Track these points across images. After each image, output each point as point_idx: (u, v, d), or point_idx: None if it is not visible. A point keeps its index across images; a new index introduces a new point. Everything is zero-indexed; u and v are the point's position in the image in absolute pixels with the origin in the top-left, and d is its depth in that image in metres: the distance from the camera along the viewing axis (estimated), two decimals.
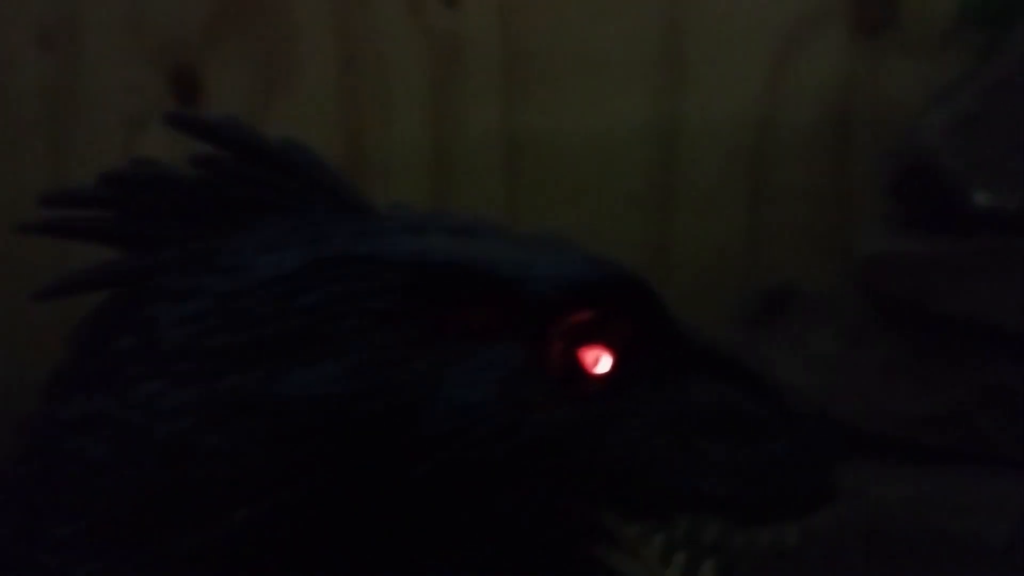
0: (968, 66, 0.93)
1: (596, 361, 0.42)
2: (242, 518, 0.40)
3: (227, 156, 0.45)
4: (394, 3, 1.15)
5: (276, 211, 0.45)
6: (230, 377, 0.41)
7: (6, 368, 1.04)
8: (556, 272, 0.43)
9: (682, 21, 1.14)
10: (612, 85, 1.15)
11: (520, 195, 1.17)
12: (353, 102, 1.16)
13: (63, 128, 1.15)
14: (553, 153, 1.16)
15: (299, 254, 0.43)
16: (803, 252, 1.13)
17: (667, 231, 1.17)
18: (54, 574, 0.41)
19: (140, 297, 0.44)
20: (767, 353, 0.96)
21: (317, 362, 0.41)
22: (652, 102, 1.15)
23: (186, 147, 0.47)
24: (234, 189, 0.45)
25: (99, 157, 1.12)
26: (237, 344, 0.41)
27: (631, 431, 0.42)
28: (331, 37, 1.15)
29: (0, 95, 1.14)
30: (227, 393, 0.41)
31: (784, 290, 1.00)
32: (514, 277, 0.43)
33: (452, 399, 0.41)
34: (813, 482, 0.43)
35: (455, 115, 1.16)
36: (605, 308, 0.42)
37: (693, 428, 0.42)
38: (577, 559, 0.42)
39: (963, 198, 0.78)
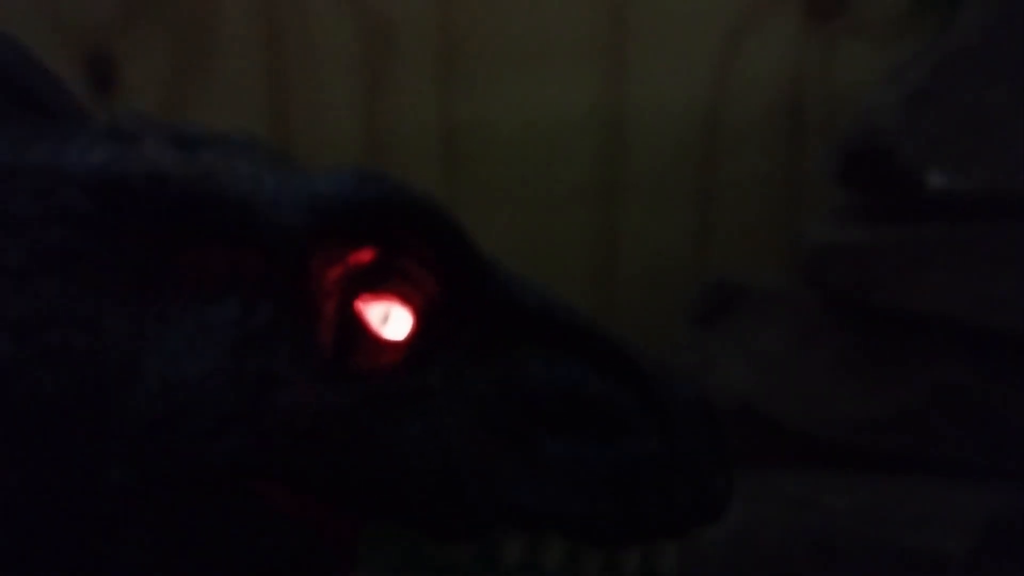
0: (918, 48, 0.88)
1: (385, 321, 0.31)
2: None
3: None
4: None
5: None
6: None
7: None
8: (316, 190, 0.30)
9: (627, 6, 1.09)
10: (554, 72, 1.10)
11: (458, 186, 1.11)
12: (279, 88, 1.10)
13: None
14: (493, 143, 1.11)
15: None
16: (754, 246, 1.08)
17: (613, 225, 1.12)
18: None
19: None
20: (713, 353, 0.90)
21: None
22: (596, 90, 1.10)
23: None
24: None
25: None
26: None
27: (436, 420, 0.30)
28: (255, 18, 1.09)
29: None
30: None
31: (732, 287, 0.95)
32: (254, 199, 0.30)
33: (162, 373, 0.29)
34: (694, 491, 0.32)
35: (389, 102, 1.10)
36: (394, 244, 0.30)
37: (525, 417, 0.31)
38: None
39: (917, 180, 0.72)
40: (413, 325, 0.31)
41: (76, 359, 0.29)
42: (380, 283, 0.31)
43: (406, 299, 0.31)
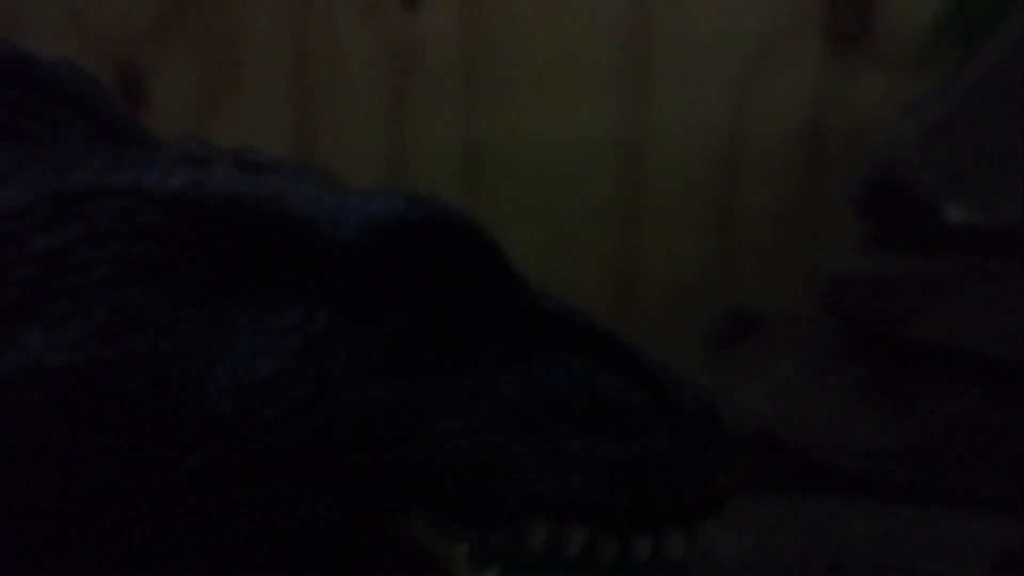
0: (941, 80, 0.89)
1: (426, 329, 0.34)
2: None
3: None
4: (349, 4, 1.11)
5: (17, 136, 0.36)
6: None
7: None
8: (371, 211, 0.34)
9: (650, 29, 1.11)
10: (576, 95, 1.11)
11: (479, 205, 1.12)
12: (305, 106, 1.11)
13: None
14: (513, 164, 1.12)
15: (37, 184, 0.34)
16: (772, 272, 1.09)
17: (632, 248, 1.13)
18: None
19: None
20: (730, 378, 0.91)
21: (57, 323, 0.32)
22: (618, 113, 1.11)
23: None
24: None
25: None
26: None
27: (472, 417, 0.33)
28: (283, 37, 1.11)
29: None
30: None
31: (751, 312, 0.96)
32: (316, 217, 0.34)
33: (233, 373, 0.32)
34: (699, 484, 0.35)
35: (412, 122, 1.12)
36: (434, 259, 0.34)
37: (550, 415, 0.34)
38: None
39: (935, 212, 0.73)
40: (450, 332, 0.35)
41: (158, 360, 0.33)
42: (424, 295, 0.35)
43: (445, 307, 0.35)
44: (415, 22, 1.11)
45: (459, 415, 0.34)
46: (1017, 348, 0.75)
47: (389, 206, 0.34)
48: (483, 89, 1.12)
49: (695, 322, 1.01)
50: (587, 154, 1.12)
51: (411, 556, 0.34)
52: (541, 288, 0.36)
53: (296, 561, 0.34)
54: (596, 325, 0.36)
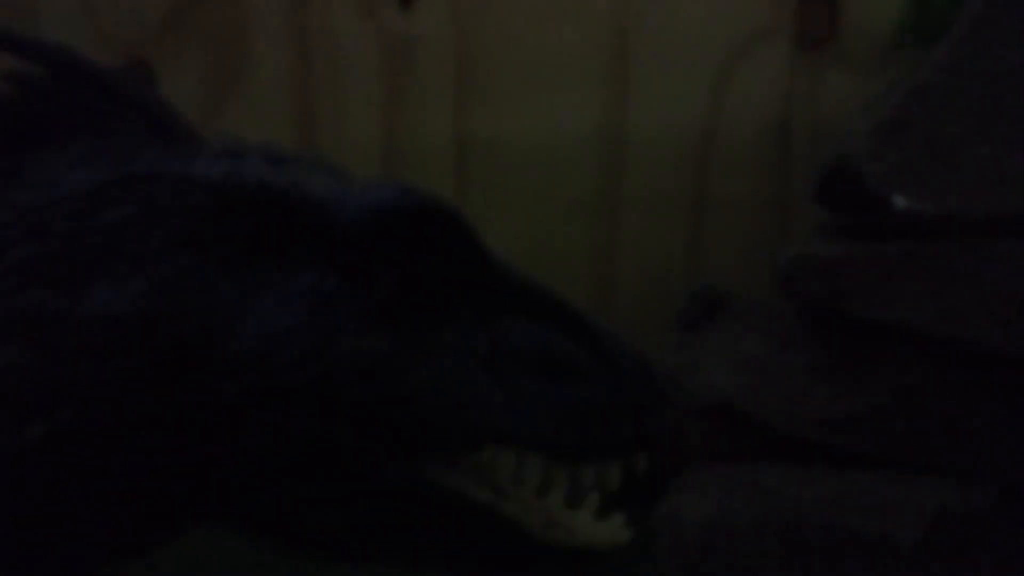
0: (892, 81, 0.95)
1: (414, 294, 0.43)
2: (37, 435, 0.40)
3: (44, 76, 0.45)
4: (348, 3, 1.16)
5: (89, 131, 0.45)
6: (30, 291, 0.41)
7: None
8: (373, 198, 0.43)
9: (630, 31, 1.16)
10: (562, 93, 1.17)
11: (468, 196, 1.17)
12: (305, 101, 1.16)
13: None
14: (502, 157, 1.17)
15: (106, 171, 0.43)
16: (744, 259, 1.14)
17: (611, 237, 1.18)
18: None
19: None
20: (700, 354, 0.97)
21: (120, 280, 0.41)
22: (600, 110, 1.17)
23: None
24: (45, 108, 0.45)
25: None
26: (38, 258, 0.41)
27: (446, 364, 0.42)
28: (286, 34, 1.16)
29: None
30: (26, 307, 0.41)
31: (719, 295, 1.01)
32: (328, 202, 0.43)
33: (260, 322, 0.41)
34: (634, 423, 0.43)
35: (406, 115, 1.17)
36: (421, 238, 0.43)
37: (514, 366, 0.43)
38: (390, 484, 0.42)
39: (883, 201, 0.79)
40: (430, 297, 0.44)
41: (200, 312, 0.42)
42: (409, 267, 0.44)
43: (426, 277, 0.44)
44: (410, 22, 1.16)
45: (440, 363, 0.43)
46: (957, 326, 0.80)
47: (386, 194, 0.44)
48: (474, 86, 1.17)
49: (670, 306, 1.06)
50: (570, 148, 1.17)
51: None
52: (510, 264, 0.45)
53: (311, 484, 0.42)
54: (551, 294, 0.45)
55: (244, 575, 0.58)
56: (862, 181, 0.80)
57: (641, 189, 1.16)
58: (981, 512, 0.79)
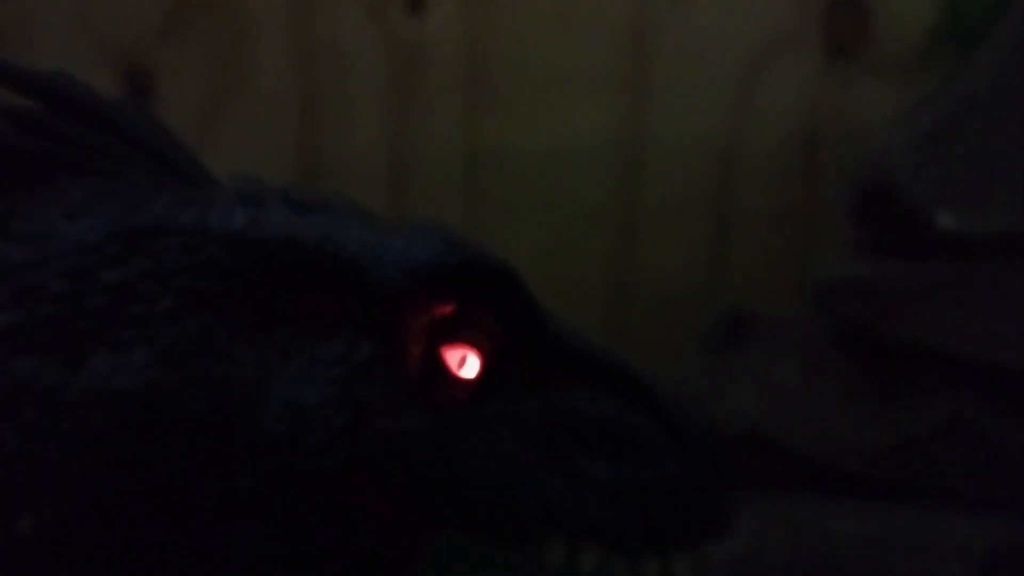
0: (934, 88, 0.91)
1: (461, 363, 0.38)
2: (27, 528, 0.35)
3: (41, 110, 0.40)
4: (355, 7, 1.12)
5: (90, 173, 0.39)
6: (19, 362, 0.36)
7: None
8: (412, 255, 0.38)
9: (649, 36, 1.12)
10: (576, 100, 1.13)
11: (479, 209, 1.14)
12: (310, 109, 1.13)
13: None
14: (514, 167, 1.14)
15: (109, 222, 0.38)
16: (768, 276, 1.10)
17: (629, 251, 1.14)
18: None
19: None
20: (725, 380, 0.93)
21: (124, 348, 0.36)
22: (617, 118, 1.13)
23: None
24: (39, 145, 0.39)
25: None
26: (31, 324, 0.36)
27: (497, 444, 0.37)
28: (288, 41, 1.12)
29: None
30: (14, 381, 0.35)
31: (746, 316, 0.97)
32: (363, 258, 0.37)
33: (284, 398, 0.36)
34: (705, 509, 0.38)
35: (415, 125, 1.13)
36: (470, 299, 0.38)
37: (569, 443, 0.38)
38: None
39: (926, 220, 0.75)
40: (481, 367, 0.38)
41: (215, 385, 0.36)
42: (458, 332, 0.38)
43: (477, 346, 0.38)
44: (419, 26, 1.13)
45: (486, 441, 0.37)
46: (1003, 351, 0.76)
47: (428, 250, 0.38)
48: (485, 93, 1.13)
49: (691, 325, 1.02)
50: (587, 158, 1.13)
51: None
52: (565, 324, 0.40)
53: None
54: (611, 357, 0.39)
55: None
56: (903, 198, 0.76)
57: (660, 201, 1.13)
58: None
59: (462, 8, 1.13)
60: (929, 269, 0.78)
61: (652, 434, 0.38)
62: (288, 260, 0.37)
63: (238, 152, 1.09)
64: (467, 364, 0.38)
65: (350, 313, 0.37)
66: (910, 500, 0.79)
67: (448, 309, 0.37)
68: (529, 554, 0.37)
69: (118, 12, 1.12)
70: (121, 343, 0.36)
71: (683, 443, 0.38)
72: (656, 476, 0.37)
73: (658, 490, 0.37)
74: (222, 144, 1.10)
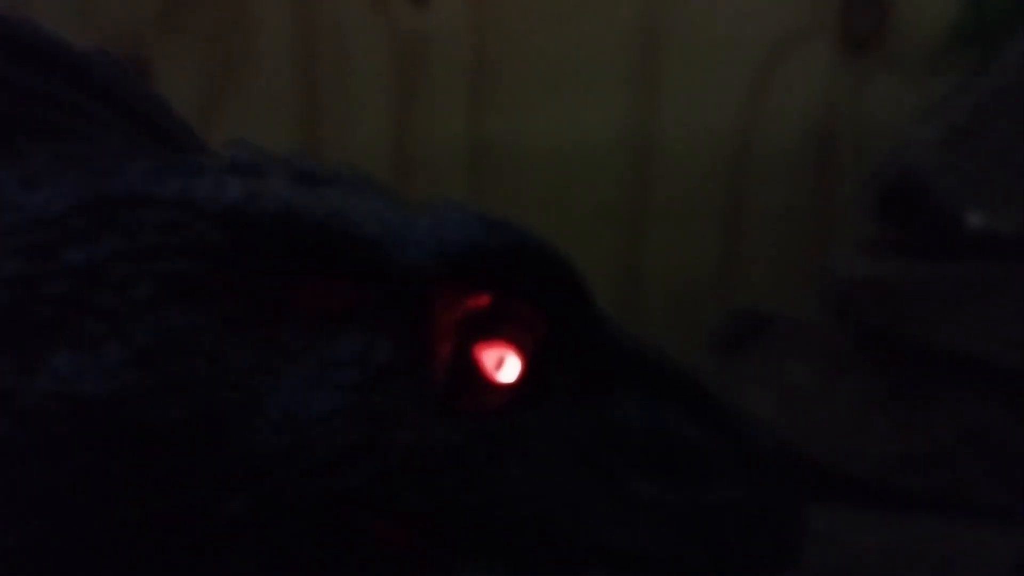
0: (959, 83, 0.88)
1: (499, 364, 0.32)
2: None
3: None
4: None
5: (54, 136, 0.32)
6: None
7: None
8: (442, 234, 0.31)
9: (660, 29, 1.09)
10: (585, 94, 1.10)
11: (484, 204, 1.11)
12: (312, 101, 1.10)
13: None
14: (520, 162, 1.11)
15: (75, 191, 0.31)
16: (782, 275, 1.08)
17: (639, 249, 1.12)
18: None
19: None
20: (739, 382, 0.90)
21: (92, 345, 0.29)
22: (627, 113, 1.10)
23: None
24: None
25: None
26: None
27: (538, 461, 0.31)
28: (290, 31, 1.10)
29: None
30: None
31: (760, 315, 0.94)
32: (382, 238, 0.31)
33: (284, 407, 0.29)
34: (774, 538, 0.33)
35: (419, 116, 1.11)
36: (512, 289, 0.31)
37: (621, 460, 0.32)
38: None
39: (955, 219, 0.72)
40: (522, 370, 0.32)
41: (202, 390, 0.30)
42: (495, 328, 0.32)
43: (517, 344, 0.32)
44: (423, 18, 1.10)
45: (524, 458, 0.32)
46: None
47: (465, 230, 0.32)
48: (491, 86, 1.11)
49: (702, 324, 1.00)
50: (595, 154, 1.11)
51: None
52: (617, 322, 0.34)
53: None
54: (671, 364, 0.34)
55: None
56: (931, 196, 0.73)
57: (671, 199, 1.10)
58: None
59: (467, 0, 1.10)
60: (956, 270, 0.75)
61: (716, 452, 0.33)
62: (291, 240, 0.31)
63: None
64: (505, 366, 0.32)
65: (366, 304, 0.31)
66: (934, 511, 0.76)
67: (484, 300, 0.31)
68: None
69: (115, 1, 1.10)
70: (88, 339, 0.30)
71: (750, 463, 0.33)
72: (718, 499, 0.33)
73: (720, 515, 0.32)
74: (221, 136, 1.07)
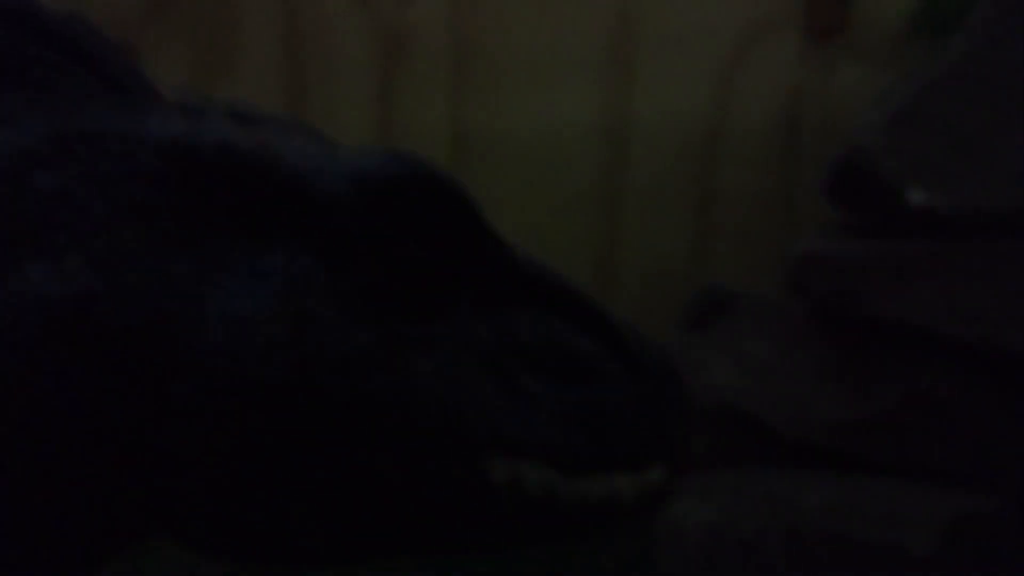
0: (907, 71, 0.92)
1: (408, 279, 0.36)
2: None
3: None
4: None
5: (20, 83, 0.38)
6: None
7: None
8: (360, 165, 0.36)
9: (633, 21, 1.13)
10: (561, 84, 1.14)
11: None
12: (297, 93, 1.13)
13: None
14: (500, 150, 1.14)
15: (44, 126, 0.37)
16: (750, 256, 1.11)
17: (613, 232, 1.15)
18: None
19: None
20: (703, 355, 0.94)
21: (55, 257, 0.35)
22: (601, 102, 1.14)
23: None
24: None
25: None
26: None
27: (442, 361, 0.35)
28: (276, 22, 1.13)
29: None
30: None
31: (725, 293, 0.98)
32: (304, 168, 0.36)
33: (222, 309, 0.35)
34: (652, 432, 0.37)
35: (400, 106, 1.14)
36: (420, 214, 0.36)
37: (518, 363, 0.36)
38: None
39: (898, 196, 0.76)
40: (430, 284, 0.37)
41: (149, 294, 0.35)
42: (406, 248, 0.37)
43: (422, 258, 0.37)
44: (406, 10, 1.13)
45: (432, 357, 0.36)
46: (975, 328, 0.77)
47: (373, 161, 0.37)
48: (471, 76, 1.14)
49: (674, 304, 1.03)
50: (571, 140, 1.14)
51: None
52: (516, 247, 0.38)
53: (282, 492, 0.36)
54: (566, 284, 0.39)
55: None
56: (877, 175, 0.77)
57: (644, 183, 1.13)
58: (996, 521, 0.76)
59: None
60: (903, 247, 0.79)
61: (602, 358, 0.37)
62: (225, 168, 0.36)
63: None
64: (411, 279, 0.36)
65: (290, 224, 0.36)
66: (878, 472, 0.80)
67: (395, 220, 0.36)
68: (475, 474, 0.36)
69: None
70: (53, 251, 0.35)
71: (633, 367, 0.37)
72: (604, 397, 0.36)
73: (605, 411, 0.36)
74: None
